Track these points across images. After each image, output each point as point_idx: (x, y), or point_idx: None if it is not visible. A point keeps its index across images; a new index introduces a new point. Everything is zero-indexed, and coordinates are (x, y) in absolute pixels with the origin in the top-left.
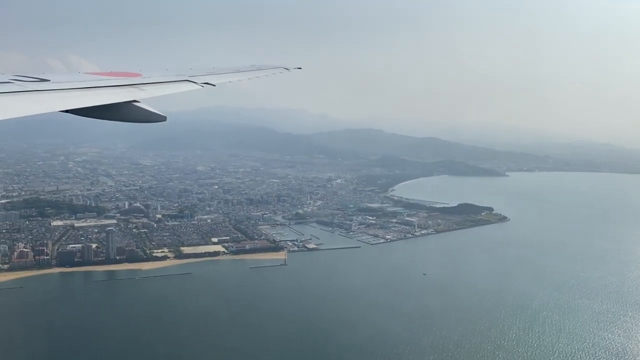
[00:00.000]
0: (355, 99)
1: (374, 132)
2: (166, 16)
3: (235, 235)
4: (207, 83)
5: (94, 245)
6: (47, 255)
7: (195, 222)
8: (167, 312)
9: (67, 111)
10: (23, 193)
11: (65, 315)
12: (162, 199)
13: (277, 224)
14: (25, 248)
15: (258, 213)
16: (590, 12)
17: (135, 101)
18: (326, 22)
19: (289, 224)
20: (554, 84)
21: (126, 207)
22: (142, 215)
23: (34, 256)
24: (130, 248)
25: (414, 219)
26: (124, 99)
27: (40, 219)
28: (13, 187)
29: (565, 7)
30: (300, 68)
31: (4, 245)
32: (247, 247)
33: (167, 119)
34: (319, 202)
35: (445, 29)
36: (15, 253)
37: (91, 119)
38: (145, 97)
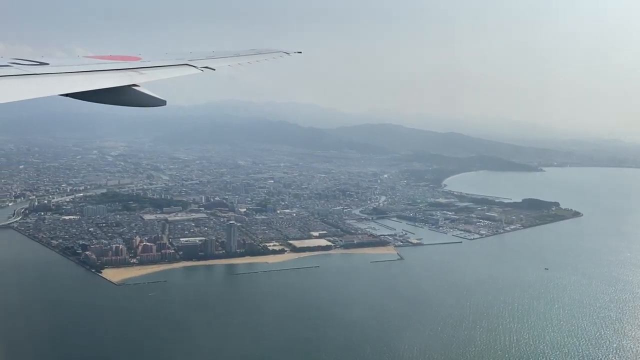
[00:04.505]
0: (356, 92)
1: (393, 126)
2: (170, 7)
3: (331, 230)
4: (207, 67)
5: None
6: (170, 250)
7: (281, 216)
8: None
9: (67, 95)
10: (89, 187)
11: (258, 310)
12: (229, 193)
13: (362, 219)
14: (145, 242)
15: (338, 207)
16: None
17: (135, 85)
18: (326, 16)
19: (372, 218)
20: (552, 79)
21: (203, 201)
22: (227, 209)
23: (157, 250)
24: (249, 242)
25: (494, 214)
26: (123, 83)
27: (127, 212)
28: (73, 181)
29: None
30: (301, 52)
31: (119, 239)
32: (355, 241)
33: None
34: (383, 197)
35: (445, 22)
36: (139, 247)
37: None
38: (145, 81)
